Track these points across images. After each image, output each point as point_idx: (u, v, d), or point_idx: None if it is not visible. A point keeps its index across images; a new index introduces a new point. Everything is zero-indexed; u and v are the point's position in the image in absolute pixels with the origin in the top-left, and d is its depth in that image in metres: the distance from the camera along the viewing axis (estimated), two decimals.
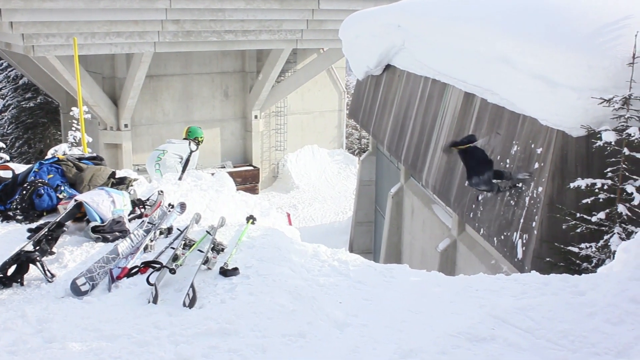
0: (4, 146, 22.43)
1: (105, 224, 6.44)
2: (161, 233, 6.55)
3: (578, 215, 6.91)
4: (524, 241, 7.60)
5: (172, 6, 21.19)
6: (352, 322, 4.70)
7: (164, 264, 5.48)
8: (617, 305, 4.30)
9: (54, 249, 5.94)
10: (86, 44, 20.34)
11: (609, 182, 6.76)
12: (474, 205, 9.04)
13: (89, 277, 5.26)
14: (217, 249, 5.98)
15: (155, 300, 4.94)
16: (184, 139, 11.12)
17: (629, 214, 6.63)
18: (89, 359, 4.08)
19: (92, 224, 6.39)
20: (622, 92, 6.69)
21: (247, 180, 26.54)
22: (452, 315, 4.65)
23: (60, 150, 16.83)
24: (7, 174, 7.93)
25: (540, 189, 7.51)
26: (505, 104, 8.72)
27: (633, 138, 6.52)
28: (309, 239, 7.56)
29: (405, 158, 12.87)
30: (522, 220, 7.74)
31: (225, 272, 5.42)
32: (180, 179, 9.88)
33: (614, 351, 3.90)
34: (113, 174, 8.05)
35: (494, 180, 8.10)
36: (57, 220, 6.30)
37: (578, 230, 6.89)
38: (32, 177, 7.50)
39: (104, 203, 6.74)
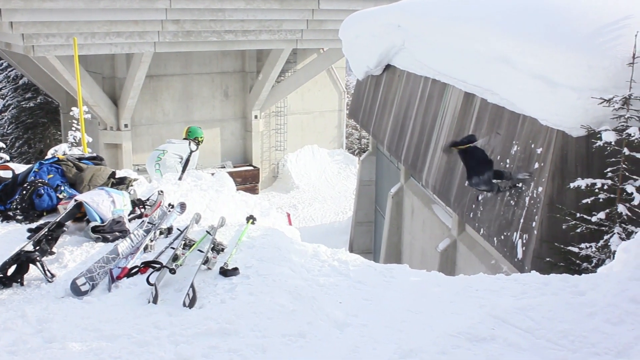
0: (4, 146, 22.43)
1: (105, 224, 6.44)
2: (161, 233, 6.55)
3: (578, 215, 6.91)
4: (524, 241, 7.60)
5: (172, 6, 21.19)
6: (352, 322, 4.71)
7: (164, 264, 5.48)
8: (617, 305, 4.30)
9: (54, 249, 5.94)
10: (86, 44, 20.34)
11: (609, 182, 6.76)
12: (474, 205, 9.04)
13: (89, 277, 5.26)
14: (217, 249, 5.98)
15: (155, 300, 4.94)
16: (184, 139, 11.12)
17: (629, 214, 6.63)
18: (89, 359, 4.08)
19: (92, 224, 6.39)
20: (622, 92, 6.69)
21: (247, 180, 26.54)
22: (452, 315, 4.65)
23: (60, 150, 16.84)
24: (7, 174, 7.93)
25: (540, 189, 7.51)
26: (505, 104, 8.72)
27: (633, 138, 6.52)
28: (309, 239, 7.56)
29: (405, 158, 12.87)
30: (522, 220, 7.74)
31: (225, 272, 5.42)
32: (180, 179, 9.88)
33: (614, 351, 3.90)
34: (113, 174, 8.05)
35: (494, 180, 8.10)
36: (57, 220, 6.30)
37: (578, 230, 6.89)
38: (32, 177, 7.50)
39: (104, 203, 6.74)
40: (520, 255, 7.63)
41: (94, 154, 9.22)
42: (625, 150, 6.61)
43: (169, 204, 7.57)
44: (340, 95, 30.20)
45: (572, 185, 6.98)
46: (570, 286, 4.89)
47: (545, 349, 3.98)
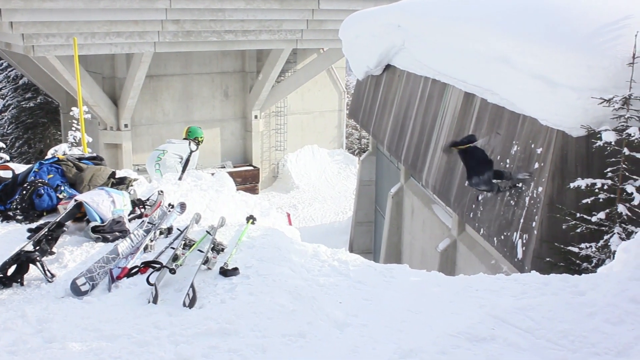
0: (4, 146, 22.43)
1: (105, 224, 6.44)
2: (161, 233, 6.55)
3: (578, 215, 6.91)
4: (524, 241, 7.60)
5: (172, 6, 21.19)
6: (352, 322, 4.71)
7: (164, 264, 5.48)
8: (617, 305, 4.30)
9: (54, 249, 5.94)
10: (86, 44, 20.34)
11: (609, 182, 6.76)
12: (474, 205, 9.04)
13: (89, 277, 5.26)
14: (217, 249, 5.98)
15: (155, 300, 4.94)
16: (184, 139, 11.12)
17: (629, 214, 6.63)
18: (89, 359, 4.08)
19: (92, 224, 6.39)
20: (622, 92, 6.69)
21: (247, 180, 26.54)
22: (451, 315, 4.65)
23: (60, 150, 16.83)
24: (7, 174, 7.93)
25: (540, 189, 7.51)
26: (505, 104, 8.72)
27: (633, 138, 6.53)
28: (309, 239, 7.56)
29: (405, 158, 12.87)
30: (522, 220, 7.74)
31: (225, 272, 5.42)
32: (180, 179, 9.88)
33: (614, 351, 3.90)
34: (113, 174, 8.05)
35: (494, 180, 8.10)
36: (57, 220, 6.30)
37: (578, 230, 6.89)
38: (32, 177, 7.50)
39: (104, 203, 6.74)
40: (520, 255, 7.63)
41: (94, 154, 9.22)
42: (625, 150, 6.62)
43: (169, 204, 7.58)
44: (340, 95, 30.20)
45: (572, 185, 6.99)
46: (570, 286, 4.90)
47: (545, 349, 3.98)
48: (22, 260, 5.36)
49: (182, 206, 7.60)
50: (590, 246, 6.80)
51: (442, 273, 6.10)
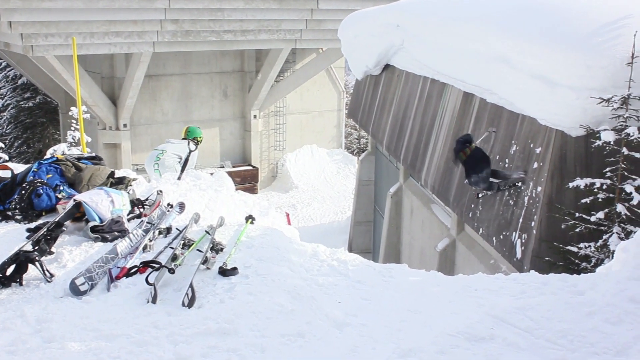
0: (3, 146, 22.41)
1: (104, 223, 6.44)
2: (160, 233, 6.55)
3: (577, 214, 6.92)
4: (523, 241, 7.60)
5: (171, 6, 21.18)
6: (351, 322, 4.71)
7: (163, 264, 5.48)
8: (616, 305, 4.30)
9: (53, 249, 5.94)
10: (85, 44, 20.33)
11: (608, 181, 6.76)
12: (473, 205, 9.04)
13: (88, 277, 5.26)
14: (216, 248, 5.97)
15: (154, 300, 4.94)
16: (183, 138, 11.11)
17: (628, 213, 6.63)
18: (88, 358, 4.08)
19: (91, 224, 6.39)
20: (621, 91, 6.69)
21: (246, 180, 26.54)
22: (451, 315, 4.65)
23: (59, 150, 16.80)
24: (6, 174, 7.93)
25: (539, 188, 7.51)
26: (504, 104, 8.73)
27: (632, 138, 6.53)
28: (308, 239, 7.55)
29: (404, 158, 12.88)
30: (521, 220, 7.75)
31: (224, 272, 5.42)
32: (179, 178, 9.88)
33: (613, 351, 3.90)
34: (112, 174, 8.05)
35: (491, 179, 8.12)
36: (56, 220, 6.30)
37: (577, 229, 6.89)
38: (31, 177, 7.49)
39: (103, 203, 6.74)
40: (519, 254, 7.63)
41: (93, 154, 9.22)
42: (624, 150, 6.62)
43: (168, 204, 7.57)
44: (339, 95, 30.20)
45: (571, 184, 6.99)
46: (569, 286, 4.90)
47: (544, 348, 3.99)
48: (21, 260, 5.35)
49: (181, 206, 7.60)
50: (589, 246, 6.81)
51: (441, 273, 6.10)
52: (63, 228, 6.27)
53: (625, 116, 6.67)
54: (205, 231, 6.45)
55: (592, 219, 6.79)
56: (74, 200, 6.69)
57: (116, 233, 6.39)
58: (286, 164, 28.60)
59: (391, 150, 14.11)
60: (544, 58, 7.66)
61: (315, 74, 27.95)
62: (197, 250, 5.99)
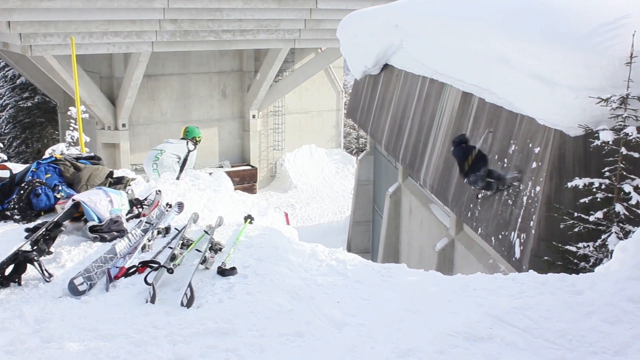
0: (2, 146, 22.40)
1: (103, 223, 6.43)
2: (159, 233, 6.55)
3: (576, 214, 6.92)
4: (522, 240, 7.61)
5: (169, 6, 21.18)
6: (350, 322, 4.70)
7: (162, 264, 5.47)
8: (614, 305, 4.30)
9: (52, 249, 5.93)
10: (84, 44, 20.32)
11: (607, 181, 6.77)
12: (472, 205, 9.05)
13: (86, 277, 5.26)
14: (214, 248, 5.97)
15: (153, 300, 4.94)
16: (182, 138, 11.10)
17: (627, 213, 6.64)
18: (87, 358, 4.07)
19: (90, 224, 6.39)
20: (620, 91, 6.70)
21: (245, 180, 26.55)
22: (449, 315, 4.65)
23: (57, 149, 16.78)
24: (5, 174, 7.92)
25: (538, 188, 7.51)
26: (503, 104, 8.73)
27: (630, 137, 6.53)
28: (306, 239, 7.55)
29: (403, 157, 12.88)
30: (519, 220, 7.75)
31: (223, 272, 5.42)
32: (178, 178, 9.87)
33: (612, 350, 3.90)
34: (111, 174, 8.04)
35: (487, 179, 8.16)
36: (55, 220, 6.29)
37: (576, 229, 6.89)
38: (30, 177, 7.49)
39: (101, 203, 6.73)
40: (518, 254, 7.63)
41: (92, 154, 9.21)
42: (623, 150, 6.62)
43: (167, 204, 7.57)
44: (338, 94, 30.21)
45: (569, 184, 6.99)
46: (567, 285, 4.90)
47: (542, 348, 3.99)
48: (20, 260, 5.35)
49: (180, 206, 7.60)
50: (588, 245, 6.81)
51: (440, 272, 6.10)
52: (62, 228, 6.26)
53: (624, 116, 6.68)
54: (204, 231, 6.44)
55: (591, 218, 6.80)
56: (73, 200, 6.68)
57: (115, 233, 6.39)
58: (285, 164, 28.61)
59: (390, 150, 14.11)
60: (543, 58, 7.66)
61: (314, 73, 27.96)
62: (196, 250, 5.99)
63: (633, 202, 6.57)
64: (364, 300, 5.16)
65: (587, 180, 6.87)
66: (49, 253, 5.86)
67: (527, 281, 5.17)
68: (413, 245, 13.69)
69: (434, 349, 4.02)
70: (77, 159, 8.28)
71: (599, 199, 6.79)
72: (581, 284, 4.85)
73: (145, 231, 6.51)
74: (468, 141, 8.65)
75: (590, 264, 6.76)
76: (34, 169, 7.65)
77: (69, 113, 19.77)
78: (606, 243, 6.65)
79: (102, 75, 24.49)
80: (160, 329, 4.45)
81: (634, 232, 6.06)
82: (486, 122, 9.19)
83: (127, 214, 7.03)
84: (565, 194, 7.23)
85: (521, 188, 7.87)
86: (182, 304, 4.86)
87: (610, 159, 6.75)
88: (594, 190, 6.80)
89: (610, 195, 6.76)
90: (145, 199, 7.67)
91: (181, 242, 6.06)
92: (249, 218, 7.06)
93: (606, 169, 6.79)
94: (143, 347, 4.19)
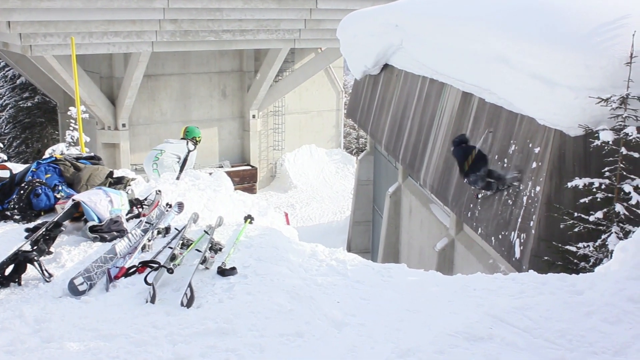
0: (2, 146, 22.40)
1: (103, 223, 6.43)
2: (159, 233, 6.55)
3: (576, 214, 6.92)
4: (522, 240, 7.61)
5: (169, 6, 21.18)
6: (350, 322, 4.70)
7: (162, 264, 5.47)
8: (614, 305, 4.30)
9: (52, 249, 5.93)
10: (84, 44, 20.32)
11: (607, 181, 6.77)
12: (472, 205, 9.05)
13: (86, 277, 5.26)
14: (214, 248, 5.97)
15: (153, 300, 4.94)
16: (182, 138, 11.09)
17: (627, 213, 6.64)
18: (87, 358, 4.07)
19: (90, 224, 6.38)
20: (620, 91, 6.70)
21: (245, 180, 26.55)
22: (449, 315, 4.65)
23: (57, 149, 16.79)
24: (5, 174, 7.91)
25: (538, 188, 7.51)
26: (503, 104, 8.73)
27: (630, 137, 6.53)
28: (306, 239, 7.55)
29: (403, 157, 12.88)
30: (519, 220, 7.75)
31: (223, 272, 5.42)
32: (178, 178, 9.87)
33: (612, 350, 3.90)
34: (111, 174, 8.04)
35: (487, 179, 8.16)
36: (55, 220, 6.29)
37: (576, 229, 6.89)
38: (30, 177, 7.49)
39: (101, 203, 6.73)
40: (518, 254, 7.63)
41: (92, 154, 9.21)
42: (623, 150, 6.62)
43: (167, 204, 7.57)
44: (338, 94, 30.21)
45: (569, 184, 6.99)
46: (567, 285, 4.90)
47: (542, 348, 3.99)
48: (20, 260, 5.35)
49: (180, 206, 7.60)
50: (588, 245, 6.81)
51: (440, 272, 6.10)
52: (62, 228, 6.26)
53: (624, 116, 6.67)
54: (204, 231, 6.44)
55: (591, 218, 6.79)
56: (73, 200, 6.68)
57: (115, 233, 6.39)
58: (285, 164, 28.61)
59: (390, 150, 14.11)
60: (543, 58, 7.66)
61: (314, 73, 27.97)
62: (196, 250, 5.99)
63: (633, 202, 6.57)
64: (364, 300, 5.16)
65: (587, 180, 6.87)
66: (49, 253, 5.86)
67: (527, 281, 5.17)
68: (413, 245, 13.69)
69: (434, 349, 4.02)
70: (77, 159, 8.28)
71: (599, 199, 6.79)
72: (581, 284, 4.84)
73: (145, 231, 6.51)
74: (468, 141, 8.66)
75: (590, 264, 6.76)
76: (34, 169, 7.65)
77: (69, 113, 19.78)
78: (606, 243, 6.65)
79: (102, 75, 24.49)
80: (160, 329, 4.45)
81: (634, 232, 6.06)
82: (486, 122, 9.19)
83: (127, 214, 7.03)
84: (565, 194, 7.23)
85: (521, 188, 7.87)
86: (182, 304, 4.86)
87: (610, 159, 6.75)
88: (594, 190, 6.79)
89: (610, 195, 6.76)
90: (145, 199, 7.67)
91: (181, 242, 6.06)
92: (249, 218, 7.06)
93: (606, 169, 6.78)
94: (143, 347, 4.19)
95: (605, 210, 6.75)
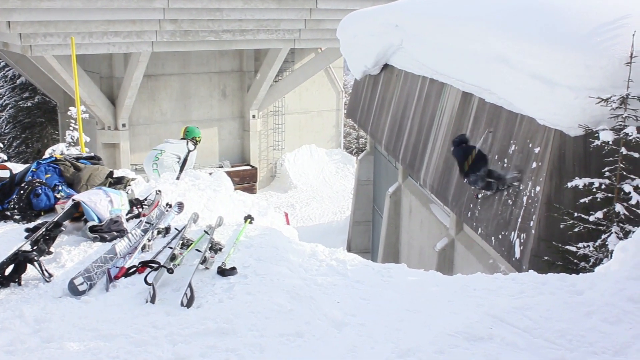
0: (2, 146, 22.40)
1: (103, 223, 6.43)
2: (159, 233, 6.55)
3: (576, 214, 6.92)
4: (522, 240, 7.61)
5: (169, 6, 21.18)
6: (350, 322, 4.70)
7: (162, 264, 5.47)
8: (614, 305, 4.30)
9: (52, 249, 5.93)
10: (84, 44, 20.32)
11: (607, 181, 6.77)
12: (472, 205, 9.05)
13: (86, 277, 5.26)
14: (214, 248, 5.97)
15: (153, 300, 4.94)
16: (182, 138, 11.10)
17: (627, 213, 6.64)
18: (87, 358, 4.07)
19: (90, 224, 6.38)
20: (620, 91, 6.70)
21: (245, 180, 26.54)
22: (449, 315, 4.65)
23: (57, 149, 16.78)
24: (5, 174, 7.91)
25: (538, 188, 7.51)
26: (503, 104, 8.73)
27: (630, 137, 6.53)
28: (306, 239, 7.55)
29: (403, 157, 12.88)
30: (519, 220, 7.75)
31: (223, 272, 5.42)
32: (178, 178, 9.87)
33: (612, 350, 3.90)
34: (111, 174, 8.04)
35: (487, 179, 8.16)
36: (55, 220, 6.29)
37: (576, 229, 6.89)
38: (30, 177, 7.49)
39: (101, 203, 6.73)
40: (518, 254, 7.63)
41: (92, 154, 9.21)
42: (623, 150, 6.62)
43: (167, 204, 7.57)
44: (338, 94, 30.21)
45: (569, 184, 6.99)
46: (567, 285, 4.90)
47: (542, 348, 3.99)
48: (20, 260, 5.35)
49: (180, 206, 7.60)
50: (588, 245, 6.81)
51: (440, 272, 6.10)
52: (62, 228, 6.26)
53: (624, 116, 6.67)
54: (204, 231, 6.44)
55: (591, 218, 6.79)
56: (73, 200, 6.68)
57: (115, 233, 6.39)
58: (285, 164, 28.61)
59: (390, 150, 14.11)
60: (543, 58, 7.66)
61: (314, 73, 27.97)
62: (196, 250, 5.99)
63: (633, 202, 6.57)
64: (364, 300, 5.16)
65: (587, 180, 6.87)
66: (49, 253, 5.86)
67: (527, 281, 5.17)
68: (413, 245, 13.69)
69: (434, 349, 4.02)
70: (77, 159, 8.28)
71: (599, 199, 6.79)
72: (581, 284, 4.84)
73: (145, 231, 6.51)
74: (468, 141, 8.66)
75: (590, 264, 6.76)
76: (34, 169, 7.65)
77: (69, 113, 19.78)
78: (606, 243, 6.65)
79: (102, 75, 24.49)
80: (160, 329, 4.45)
81: (634, 232, 6.06)
82: (486, 122, 9.19)
83: (127, 214, 7.03)
84: (565, 194, 7.23)
85: (521, 188, 7.87)
86: (182, 304, 4.86)
87: (610, 159, 6.75)
88: (594, 190, 6.79)
89: (610, 195, 6.76)
90: (145, 199, 7.67)
91: (181, 242, 6.06)
92: (249, 218, 7.06)
93: (606, 169, 6.78)
94: (143, 347, 4.19)
95: (605, 210, 6.75)
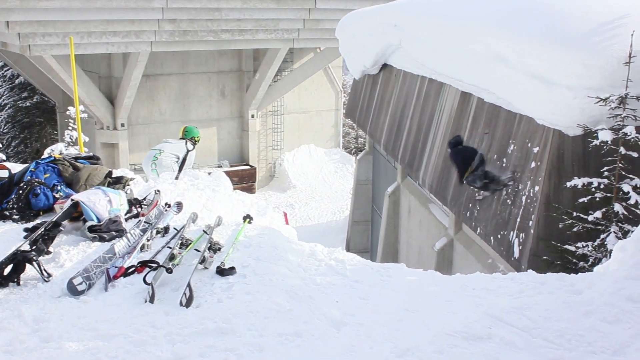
0: (1, 146, 22.36)
1: (101, 223, 6.43)
2: (158, 232, 6.55)
3: (575, 214, 6.92)
4: (521, 240, 7.61)
5: (168, 5, 21.17)
6: (348, 321, 4.71)
7: (161, 264, 5.47)
8: (613, 304, 4.30)
9: (51, 249, 5.93)
10: (82, 43, 20.31)
11: (606, 181, 6.77)
12: (470, 204, 9.05)
13: (85, 277, 5.25)
14: (213, 248, 5.97)
15: (152, 300, 4.94)
16: (181, 138, 11.09)
17: (626, 212, 6.64)
18: (86, 358, 4.07)
19: (89, 224, 6.38)
20: (619, 91, 6.70)
21: (244, 180, 26.54)
22: (448, 314, 4.66)
23: (56, 149, 16.76)
24: (4, 174, 7.90)
25: (536, 188, 7.52)
26: (502, 104, 8.73)
27: (629, 137, 6.54)
28: (305, 239, 7.55)
29: (402, 157, 12.88)
30: (518, 219, 7.75)
31: (222, 272, 5.42)
32: (176, 178, 9.87)
33: (611, 350, 3.90)
34: (109, 174, 8.04)
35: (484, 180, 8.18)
36: (54, 219, 6.28)
37: (575, 229, 6.90)
38: (29, 177, 7.48)
39: (100, 202, 6.73)
40: (516, 254, 7.64)
41: (91, 154, 9.21)
42: (622, 150, 6.63)
43: (166, 204, 7.57)
44: (337, 94, 30.21)
45: (568, 184, 7.00)
46: (566, 285, 4.90)
47: (541, 347, 3.99)
48: (19, 260, 5.34)
49: (179, 205, 7.60)
50: (587, 245, 6.82)
51: (438, 272, 6.10)
52: (60, 228, 6.26)
53: (622, 115, 6.68)
54: (203, 231, 6.44)
55: (590, 218, 6.80)
56: (72, 199, 6.68)
57: (114, 233, 6.38)
58: (284, 164, 28.61)
59: (389, 150, 14.11)
60: (541, 58, 7.66)
61: (313, 73, 27.97)
62: (195, 249, 5.99)
63: (632, 201, 6.58)
64: (362, 299, 5.16)
65: (586, 179, 6.87)
66: (48, 253, 5.86)
67: (526, 281, 5.18)
68: (412, 245, 13.70)
69: (432, 349, 4.02)
70: (76, 158, 8.27)
71: (597, 199, 6.79)
72: (580, 283, 4.85)
73: (144, 231, 6.51)
74: (462, 142, 8.70)
75: (589, 263, 6.76)
76: (32, 169, 7.65)
77: (67, 113, 19.74)
78: (605, 243, 6.65)
79: (100, 75, 24.48)
80: (159, 328, 4.45)
81: (632, 231, 6.07)
82: (485, 122, 9.19)
83: (126, 214, 7.03)
84: (564, 194, 7.23)
85: (520, 188, 7.87)
86: (181, 304, 4.86)
87: (609, 158, 6.75)
88: (593, 189, 6.80)
89: (609, 194, 6.77)
90: (144, 199, 7.67)
91: (180, 241, 6.06)
92: (247, 218, 7.07)
93: (605, 168, 6.79)
94: (142, 347, 4.19)
95: (604, 209, 6.75)
